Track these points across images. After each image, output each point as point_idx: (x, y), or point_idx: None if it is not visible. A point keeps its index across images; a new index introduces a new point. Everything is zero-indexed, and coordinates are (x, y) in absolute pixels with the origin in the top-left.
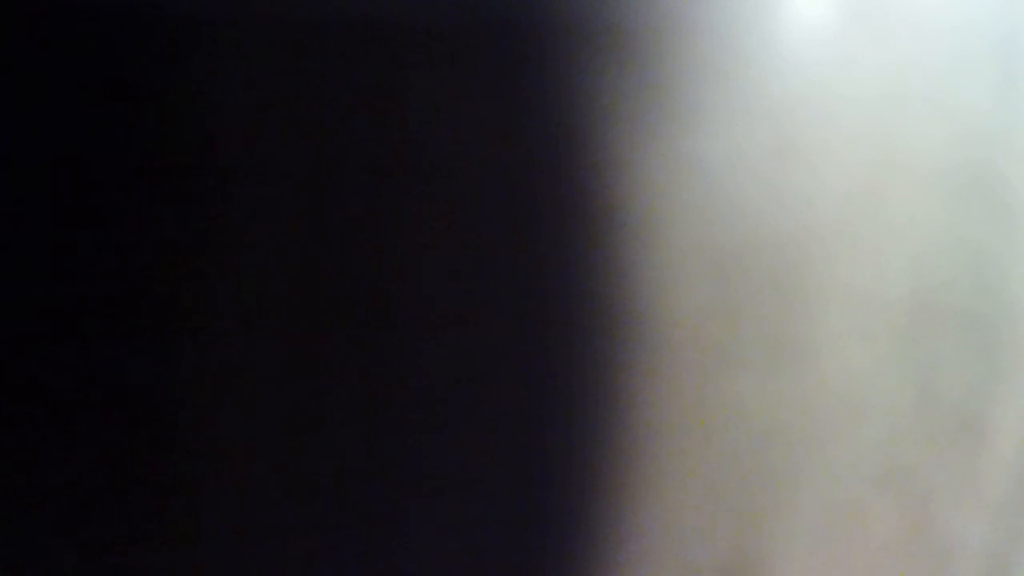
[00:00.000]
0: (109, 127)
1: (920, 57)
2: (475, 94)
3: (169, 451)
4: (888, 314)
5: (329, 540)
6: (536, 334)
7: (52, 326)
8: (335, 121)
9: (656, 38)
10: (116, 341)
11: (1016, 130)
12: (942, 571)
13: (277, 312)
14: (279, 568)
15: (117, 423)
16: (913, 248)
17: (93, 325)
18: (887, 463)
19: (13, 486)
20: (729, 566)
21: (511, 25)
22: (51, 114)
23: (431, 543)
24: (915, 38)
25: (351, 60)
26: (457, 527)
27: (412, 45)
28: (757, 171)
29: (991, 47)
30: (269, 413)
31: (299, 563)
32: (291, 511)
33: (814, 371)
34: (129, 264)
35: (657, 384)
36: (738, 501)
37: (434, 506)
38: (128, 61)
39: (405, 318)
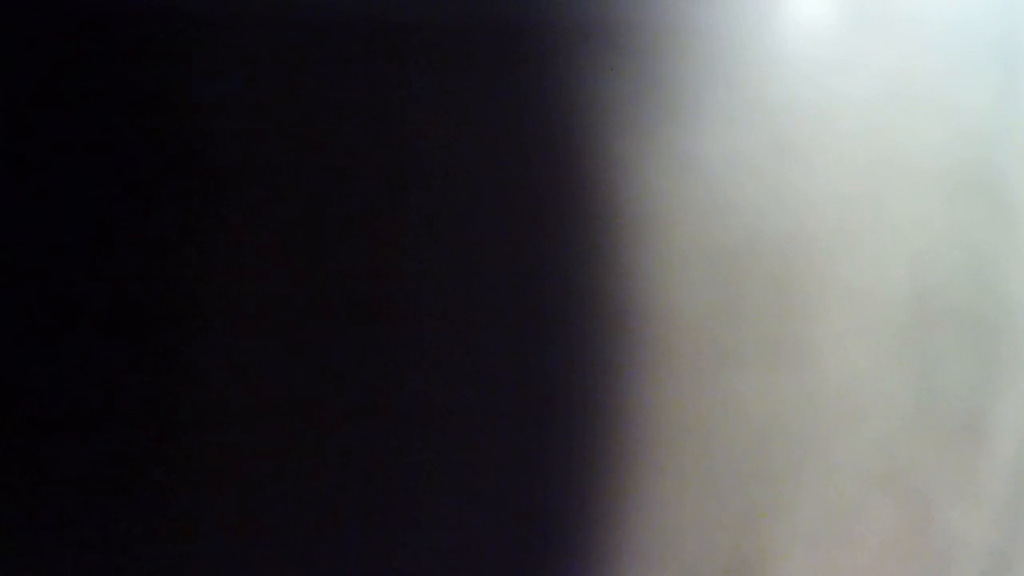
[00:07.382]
0: (108, 127)
1: (920, 57)
2: (475, 94)
3: (169, 451)
4: (888, 314)
5: (329, 540)
6: (536, 334)
7: (52, 326)
8: (334, 121)
9: (656, 38)
10: (116, 340)
11: (1016, 130)
12: (942, 571)
13: (277, 312)
14: (279, 568)
15: (117, 423)
16: (913, 248)
17: (92, 325)
18: (887, 463)
19: (13, 486)
20: (729, 566)
21: (511, 25)
22: (50, 114)
23: (431, 543)
24: (915, 38)
25: (351, 60)
26: (457, 527)
27: (412, 45)
28: (757, 171)
29: (991, 47)
30: (269, 413)
31: (299, 563)
32: (291, 511)
33: (814, 371)
34: (129, 264)
35: (657, 384)
36: (738, 501)
37: (434, 506)
38: (127, 61)
39: (405, 318)
